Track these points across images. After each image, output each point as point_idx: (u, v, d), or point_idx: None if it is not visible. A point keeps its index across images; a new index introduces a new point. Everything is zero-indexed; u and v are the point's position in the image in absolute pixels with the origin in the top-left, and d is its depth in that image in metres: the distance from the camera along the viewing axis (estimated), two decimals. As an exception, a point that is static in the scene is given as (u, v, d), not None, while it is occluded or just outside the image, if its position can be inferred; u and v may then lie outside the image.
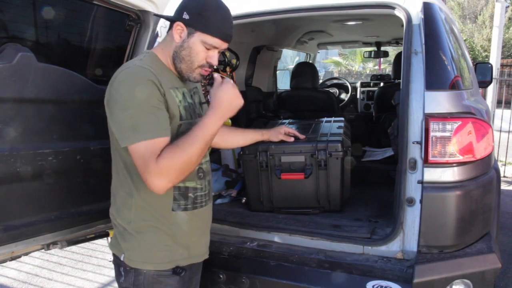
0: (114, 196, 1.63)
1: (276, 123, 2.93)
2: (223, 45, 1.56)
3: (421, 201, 1.84)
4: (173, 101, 1.52)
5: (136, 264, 1.56)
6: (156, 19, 2.26)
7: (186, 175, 1.46)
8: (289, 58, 13.35)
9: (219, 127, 1.48)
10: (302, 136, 2.35)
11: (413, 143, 1.86)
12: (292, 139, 2.32)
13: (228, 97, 1.48)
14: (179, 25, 1.52)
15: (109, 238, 2.29)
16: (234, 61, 3.29)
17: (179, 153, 1.40)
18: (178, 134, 1.53)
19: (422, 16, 1.93)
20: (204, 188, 1.67)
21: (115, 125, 1.46)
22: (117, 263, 1.63)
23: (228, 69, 3.20)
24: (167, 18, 1.61)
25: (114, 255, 1.65)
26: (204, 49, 1.53)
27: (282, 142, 2.31)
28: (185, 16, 1.51)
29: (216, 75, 1.54)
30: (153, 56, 1.59)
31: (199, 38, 1.51)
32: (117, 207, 1.61)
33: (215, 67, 1.62)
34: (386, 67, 19.85)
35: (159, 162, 1.38)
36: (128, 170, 1.53)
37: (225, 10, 1.55)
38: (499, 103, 8.96)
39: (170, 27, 1.59)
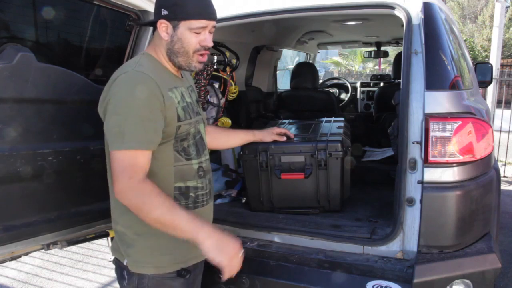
0: (112, 201, 1.60)
1: (276, 123, 2.93)
2: (210, 24, 1.54)
3: (421, 201, 1.84)
4: (171, 103, 1.50)
5: (139, 269, 1.54)
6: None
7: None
8: (289, 58, 13.34)
9: (191, 235, 1.42)
10: (291, 135, 2.35)
11: (413, 143, 1.86)
12: (284, 138, 2.32)
13: (226, 256, 1.46)
14: (162, 23, 1.51)
15: (109, 238, 2.28)
16: (234, 61, 3.29)
17: (149, 204, 1.38)
18: (177, 135, 1.53)
19: (422, 16, 1.93)
20: (205, 186, 1.65)
21: (106, 128, 1.46)
22: (120, 266, 1.61)
23: (228, 69, 3.19)
24: (148, 23, 1.58)
25: (116, 258, 1.63)
26: (194, 35, 1.52)
27: (280, 142, 2.31)
28: (164, 12, 1.50)
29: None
30: (150, 57, 1.57)
31: (184, 27, 1.50)
32: (116, 213, 1.59)
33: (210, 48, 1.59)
34: (386, 67, 19.83)
35: (132, 185, 1.37)
36: None
37: None
38: (499, 103, 8.98)
39: (154, 29, 1.57)
